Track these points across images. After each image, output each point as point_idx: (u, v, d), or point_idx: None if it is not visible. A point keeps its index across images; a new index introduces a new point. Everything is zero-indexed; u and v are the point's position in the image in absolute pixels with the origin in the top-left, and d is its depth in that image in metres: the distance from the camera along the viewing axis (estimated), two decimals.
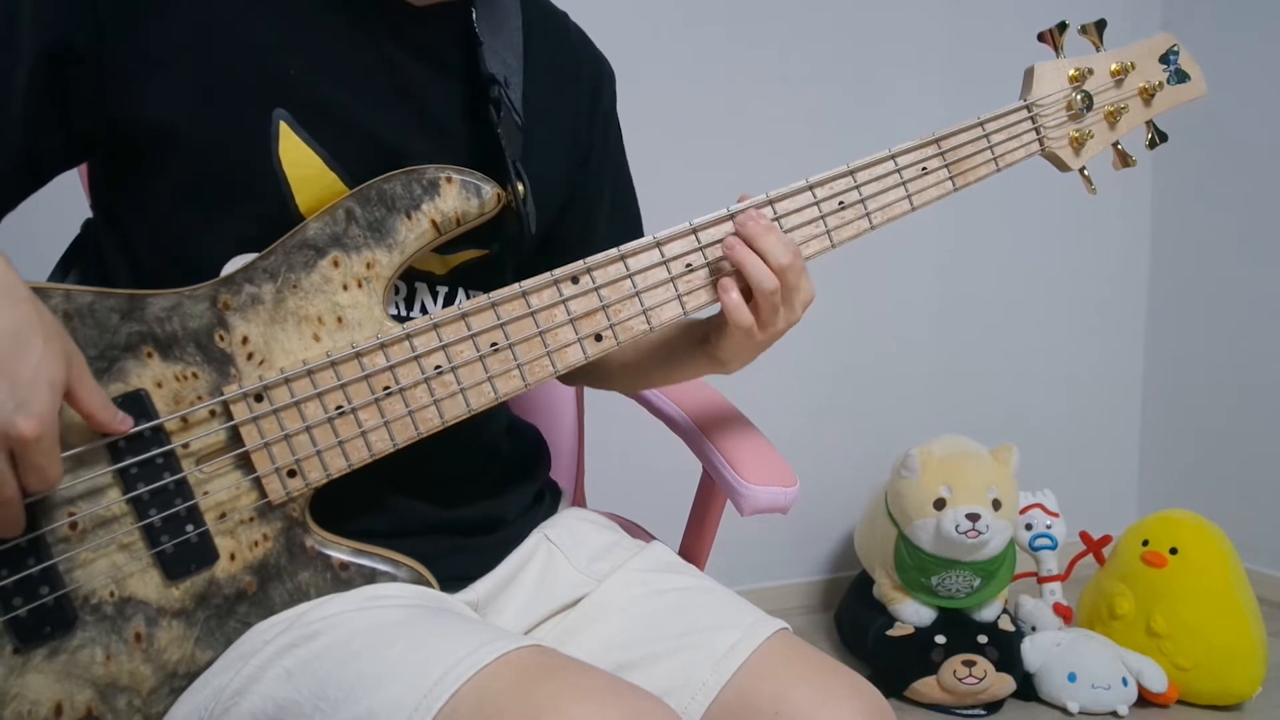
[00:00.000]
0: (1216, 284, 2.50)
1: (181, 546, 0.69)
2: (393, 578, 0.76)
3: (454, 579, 0.82)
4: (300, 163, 0.74)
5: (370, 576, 0.75)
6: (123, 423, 0.67)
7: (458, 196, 0.75)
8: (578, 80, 0.94)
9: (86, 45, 0.70)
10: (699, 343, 0.88)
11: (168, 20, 0.72)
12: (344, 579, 0.74)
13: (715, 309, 0.83)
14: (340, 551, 0.74)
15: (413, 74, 0.80)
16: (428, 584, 0.77)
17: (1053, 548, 2.11)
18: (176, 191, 0.74)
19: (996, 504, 1.89)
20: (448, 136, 0.81)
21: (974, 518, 1.85)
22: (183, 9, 0.73)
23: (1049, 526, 2.11)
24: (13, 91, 0.70)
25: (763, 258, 0.79)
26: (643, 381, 1.04)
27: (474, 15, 0.82)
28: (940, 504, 1.89)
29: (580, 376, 1.04)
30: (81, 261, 0.83)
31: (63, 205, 0.96)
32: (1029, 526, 2.11)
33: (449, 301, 0.83)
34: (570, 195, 0.93)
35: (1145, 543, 1.97)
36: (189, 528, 0.70)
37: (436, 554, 0.80)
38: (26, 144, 0.72)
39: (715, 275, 0.81)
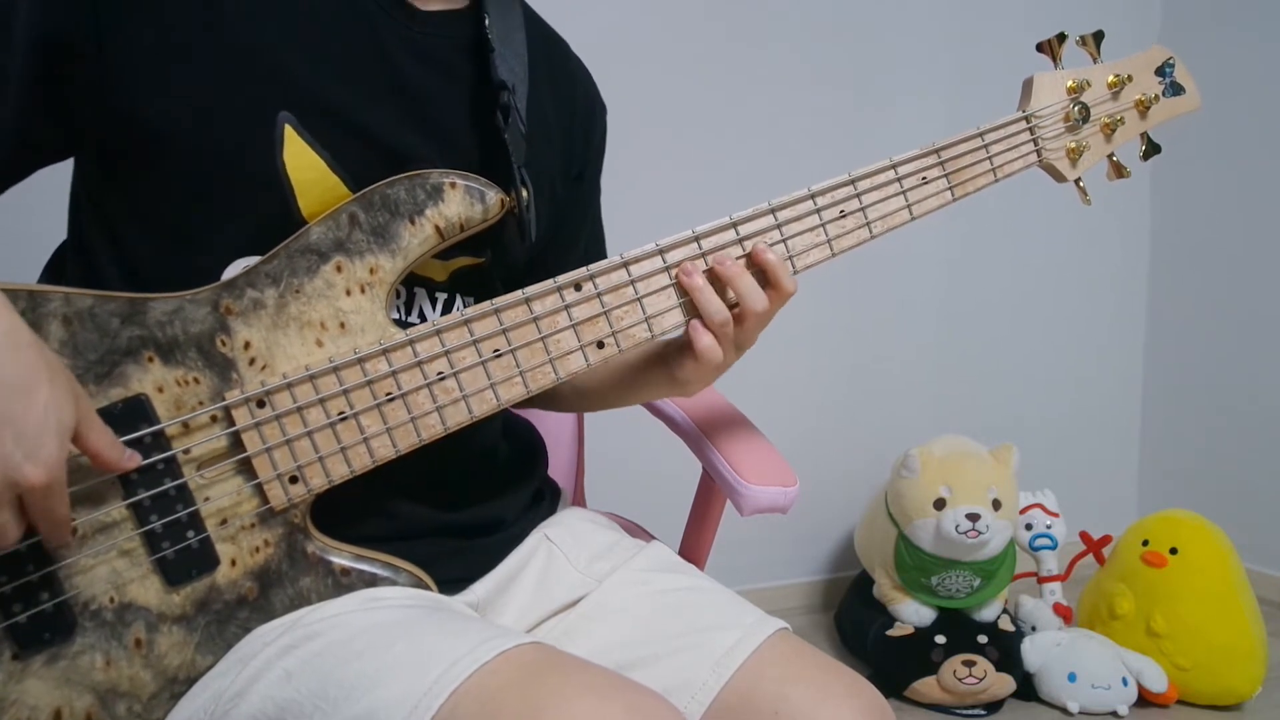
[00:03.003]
0: (1216, 285, 2.50)
1: (182, 553, 0.69)
2: (392, 583, 0.75)
3: (455, 581, 0.81)
4: (304, 166, 0.74)
5: (371, 581, 0.75)
6: (130, 460, 0.67)
7: (461, 202, 0.75)
8: (573, 102, 0.94)
9: (84, 37, 0.70)
10: (659, 364, 0.87)
11: (171, 17, 0.71)
12: (345, 584, 0.74)
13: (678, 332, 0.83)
14: (341, 557, 0.74)
15: (419, 78, 0.80)
16: (427, 588, 0.77)
17: (1053, 548, 2.11)
18: (176, 192, 0.74)
19: (996, 504, 1.89)
20: (452, 141, 0.81)
21: (974, 518, 1.85)
22: (187, 7, 0.72)
23: (1049, 526, 2.10)
24: (8, 78, 0.69)
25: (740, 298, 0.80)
26: (598, 404, 1.01)
27: (487, 21, 0.82)
28: (940, 504, 1.89)
29: (536, 401, 1.01)
30: (70, 265, 0.81)
31: (60, 206, 0.95)
32: (1029, 526, 2.11)
33: (448, 307, 0.83)
34: (560, 211, 0.92)
35: (1145, 543, 1.97)
36: (190, 534, 0.69)
37: (437, 557, 0.80)
38: (19, 131, 0.71)
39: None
